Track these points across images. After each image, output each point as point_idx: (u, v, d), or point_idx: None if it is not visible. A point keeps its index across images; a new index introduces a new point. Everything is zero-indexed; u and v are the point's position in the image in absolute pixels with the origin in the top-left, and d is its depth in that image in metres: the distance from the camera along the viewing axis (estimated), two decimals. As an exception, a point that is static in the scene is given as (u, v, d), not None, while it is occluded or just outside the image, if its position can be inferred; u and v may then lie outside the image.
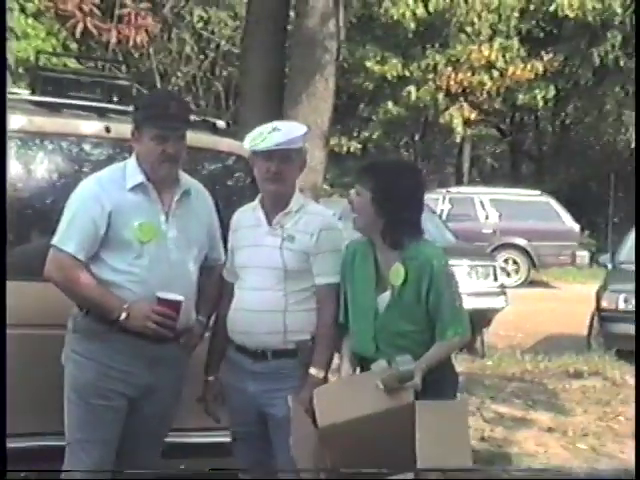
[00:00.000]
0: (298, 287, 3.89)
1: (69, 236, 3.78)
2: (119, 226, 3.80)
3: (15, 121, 4.23)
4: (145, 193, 3.85)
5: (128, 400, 3.86)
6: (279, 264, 3.87)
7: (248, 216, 4.00)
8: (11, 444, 3.75)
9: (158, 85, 19.20)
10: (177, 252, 3.89)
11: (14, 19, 13.78)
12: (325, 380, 3.87)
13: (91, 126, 4.36)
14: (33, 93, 4.65)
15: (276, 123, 3.95)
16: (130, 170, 3.86)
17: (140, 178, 3.84)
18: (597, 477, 5.50)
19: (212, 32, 20.43)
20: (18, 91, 5.54)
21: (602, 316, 10.40)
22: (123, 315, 3.76)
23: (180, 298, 3.80)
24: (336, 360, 3.98)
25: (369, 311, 3.71)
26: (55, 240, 3.81)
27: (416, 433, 3.41)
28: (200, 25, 20.37)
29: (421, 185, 3.88)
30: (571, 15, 21.01)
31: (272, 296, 3.86)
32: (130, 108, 4.21)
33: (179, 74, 20.56)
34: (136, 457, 3.86)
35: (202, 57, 20.82)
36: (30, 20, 14.45)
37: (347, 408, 3.56)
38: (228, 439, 4.04)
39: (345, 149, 22.31)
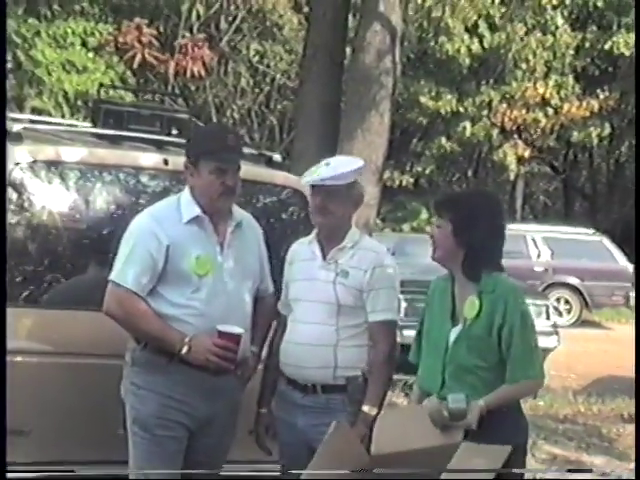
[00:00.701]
0: (350, 322, 3.88)
1: (127, 271, 3.78)
2: (177, 260, 3.80)
3: (76, 153, 4.30)
4: (201, 226, 3.86)
5: (188, 431, 3.86)
6: (332, 299, 3.87)
7: (304, 249, 4.01)
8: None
9: (214, 118, 19.42)
10: (233, 284, 3.90)
11: (75, 53, 14.08)
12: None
13: (150, 158, 4.42)
14: (94, 125, 4.72)
15: (331, 158, 3.99)
16: (185, 203, 3.87)
17: (197, 211, 3.85)
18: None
19: (267, 65, 20.63)
20: (77, 123, 5.66)
21: (657, 358, 10.20)
22: (185, 349, 3.76)
23: (240, 331, 3.81)
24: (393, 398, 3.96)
25: (440, 344, 3.65)
26: (113, 275, 3.80)
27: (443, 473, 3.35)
28: (256, 59, 20.58)
29: (501, 214, 3.82)
30: (627, 53, 20.87)
31: (324, 330, 3.86)
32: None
33: (234, 107, 20.76)
34: None
35: (257, 90, 21.00)
36: (90, 54, 14.72)
37: (399, 439, 3.55)
38: (278, 473, 4.03)
39: (397, 183, 22.28)
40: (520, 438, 3.65)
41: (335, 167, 3.88)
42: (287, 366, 3.93)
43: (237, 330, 3.80)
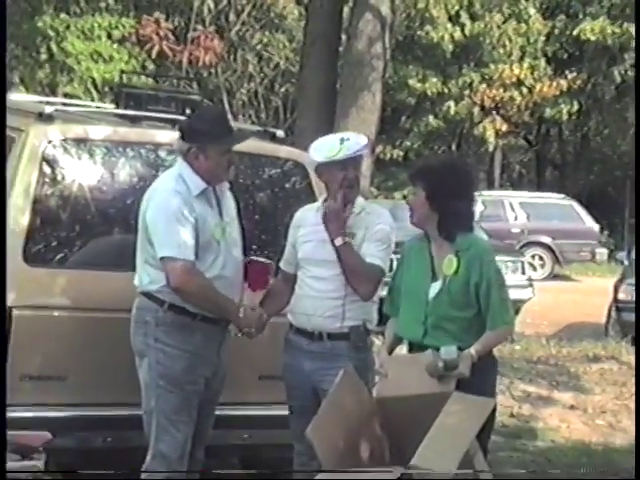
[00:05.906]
0: None
1: (182, 246, 3.64)
2: (202, 230, 3.72)
3: (102, 131, 4.29)
4: (207, 197, 3.78)
5: (206, 382, 3.84)
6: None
7: (313, 215, 3.97)
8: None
9: (225, 100, 19.35)
10: (235, 247, 3.86)
11: (102, 45, 14.06)
12: None
13: (167, 136, 4.39)
14: (117, 107, 4.70)
15: (340, 134, 3.93)
16: (190, 179, 3.74)
17: (204, 184, 3.75)
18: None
19: (272, 53, 20.54)
20: (104, 105, 5.63)
21: (618, 307, 10.31)
22: (241, 314, 3.81)
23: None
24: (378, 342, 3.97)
25: (422, 297, 3.66)
26: (170, 252, 3.63)
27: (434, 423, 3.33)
28: (260, 47, 20.51)
29: (469, 178, 3.79)
30: (592, 38, 20.85)
31: (334, 285, 3.84)
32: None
33: (243, 90, 20.69)
34: (201, 428, 3.86)
35: (263, 75, 20.93)
36: (115, 45, 14.71)
37: (400, 385, 3.55)
38: (285, 412, 4.05)
39: (389, 156, 22.25)
40: (493, 373, 3.75)
41: (356, 141, 3.86)
42: (298, 315, 3.91)
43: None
